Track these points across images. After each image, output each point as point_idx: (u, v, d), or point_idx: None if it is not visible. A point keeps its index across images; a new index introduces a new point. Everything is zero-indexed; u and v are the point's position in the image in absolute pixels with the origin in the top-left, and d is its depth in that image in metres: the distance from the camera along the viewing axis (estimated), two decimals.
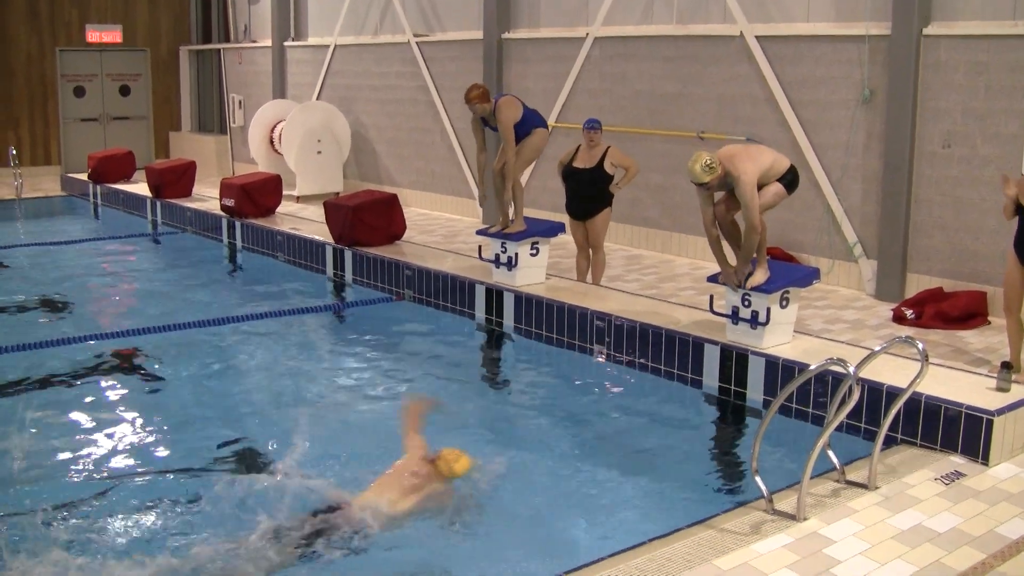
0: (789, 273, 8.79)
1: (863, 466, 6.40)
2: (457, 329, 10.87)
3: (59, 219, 19.52)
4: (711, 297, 8.92)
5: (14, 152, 20.96)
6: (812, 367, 5.99)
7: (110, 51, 25.14)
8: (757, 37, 12.90)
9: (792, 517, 5.71)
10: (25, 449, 7.64)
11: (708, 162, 8.13)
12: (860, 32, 11.80)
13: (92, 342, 10.43)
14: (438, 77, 18.13)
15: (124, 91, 25.42)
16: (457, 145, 17.75)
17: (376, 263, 12.34)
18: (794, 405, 7.83)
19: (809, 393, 7.74)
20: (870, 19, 11.74)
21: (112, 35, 25.00)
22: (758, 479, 5.91)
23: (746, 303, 8.41)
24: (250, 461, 7.46)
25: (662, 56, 14.16)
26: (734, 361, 8.41)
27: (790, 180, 8.56)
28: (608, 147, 11.10)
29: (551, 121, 15.36)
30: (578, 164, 11.18)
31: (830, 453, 6.30)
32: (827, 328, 10.21)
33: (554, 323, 10.05)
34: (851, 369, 5.88)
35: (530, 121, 10.71)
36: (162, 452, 7.71)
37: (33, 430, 8.01)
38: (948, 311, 10.49)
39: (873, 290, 11.81)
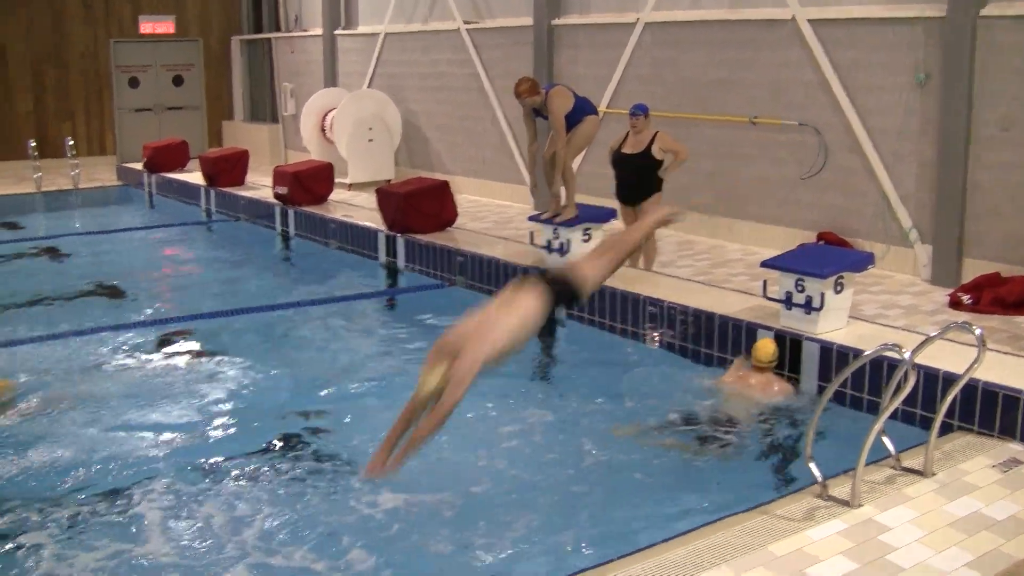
0: (843, 258, 8.72)
1: (919, 453, 6.33)
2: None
3: (115, 208, 19.76)
4: (764, 283, 8.87)
5: (71, 143, 21.20)
6: (867, 353, 5.95)
7: (163, 42, 25.33)
8: (809, 20, 12.78)
9: (846, 503, 5.68)
10: (83, 433, 7.75)
11: None
12: (914, 14, 11.66)
13: (147, 328, 10.57)
14: (488, 64, 18.13)
15: (177, 81, 25.60)
16: (508, 132, 17.75)
17: (428, 250, 12.39)
18: (848, 391, 7.77)
19: (864, 379, 7.68)
20: (924, 1, 11.59)
21: (165, 26, 25.18)
22: (812, 465, 5.88)
23: (800, 288, 8.36)
24: (300, 447, 7.52)
25: (713, 41, 14.08)
26: (788, 347, 8.36)
27: None
28: (656, 132, 11.06)
29: (601, 107, 15.32)
30: (626, 150, 11.15)
31: (885, 440, 6.25)
32: (882, 313, 10.12)
33: (606, 309, 10.04)
34: (907, 355, 5.83)
35: (581, 109, 10.70)
36: (214, 437, 7.79)
37: (91, 415, 8.11)
38: (1005, 296, 10.35)
39: (929, 275, 11.68)
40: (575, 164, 11.47)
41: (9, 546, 6.05)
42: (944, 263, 11.52)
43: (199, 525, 6.30)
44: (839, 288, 8.36)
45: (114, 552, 5.97)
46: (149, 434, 7.79)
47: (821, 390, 7.79)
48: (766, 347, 8.25)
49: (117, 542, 6.10)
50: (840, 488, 5.83)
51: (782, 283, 8.60)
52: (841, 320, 8.47)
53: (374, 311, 11.49)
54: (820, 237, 12.56)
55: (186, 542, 6.10)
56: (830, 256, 8.77)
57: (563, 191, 10.98)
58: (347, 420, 8.01)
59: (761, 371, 8.22)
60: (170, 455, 7.42)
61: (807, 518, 5.53)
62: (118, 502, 6.63)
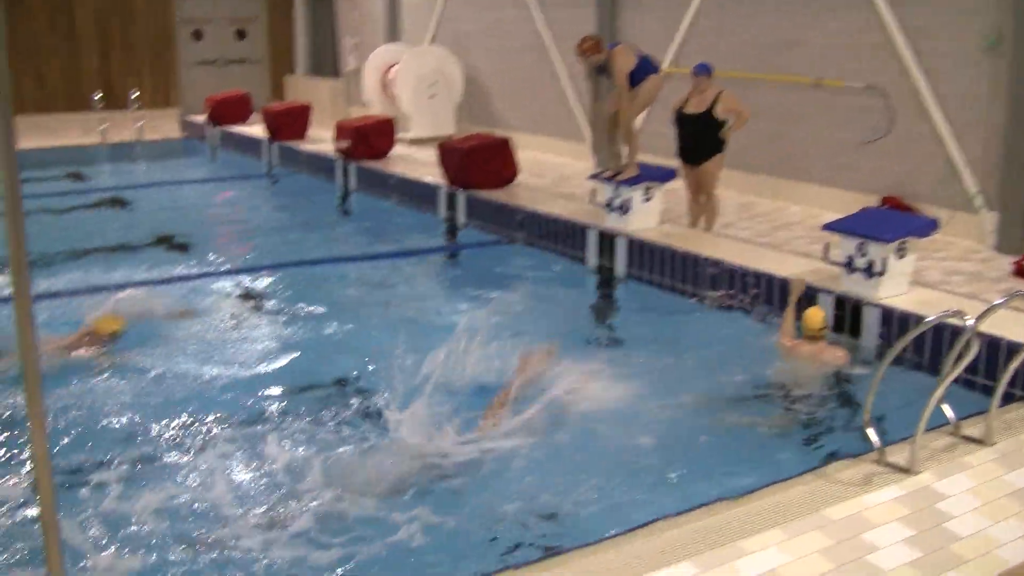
0: (907, 223, 8.64)
1: (979, 422, 6.28)
2: (568, 273, 10.89)
3: (178, 160, 19.95)
4: (826, 246, 8.81)
5: (135, 95, 21.41)
6: (929, 318, 5.91)
7: None
8: None
9: (905, 470, 5.65)
10: (144, 382, 7.89)
11: None
12: None
13: (206, 279, 10.71)
14: (551, 21, 18.03)
15: (240, 35, 25.74)
16: (569, 89, 17.68)
17: (489, 206, 12.41)
18: (909, 357, 7.72)
19: (925, 346, 7.63)
20: None
21: None
22: (870, 431, 5.86)
23: (862, 252, 8.30)
24: (359, 398, 7.62)
25: (778, 1, 13.91)
26: (848, 311, 8.31)
27: None
28: (720, 92, 10.97)
29: (664, 66, 15.21)
30: (689, 110, 11.08)
31: (945, 407, 6.20)
32: (945, 280, 10.02)
33: (666, 268, 10.03)
34: (970, 322, 5.78)
35: (644, 68, 10.64)
36: (271, 388, 7.88)
37: (150, 364, 8.25)
38: None
39: (994, 242, 11.52)
40: (637, 123, 11.41)
41: (77, 479, 6.21)
42: (1010, 230, 11.35)
43: (257, 471, 6.40)
44: (902, 253, 8.29)
45: (171, 494, 6.10)
46: (209, 382, 7.92)
47: (881, 356, 7.75)
48: (816, 316, 8.20)
49: (175, 484, 6.24)
50: (898, 454, 5.80)
51: (844, 246, 8.54)
52: (903, 286, 8.41)
53: (433, 266, 11.54)
54: (884, 201, 12.43)
55: (243, 487, 6.21)
56: (893, 220, 8.70)
57: (624, 149, 10.94)
58: (403, 373, 8.07)
59: (813, 340, 8.19)
60: (230, 401, 7.54)
61: (864, 483, 5.51)
62: (181, 443, 6.77)
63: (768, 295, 8.99)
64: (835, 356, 8.07)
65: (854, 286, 8.41)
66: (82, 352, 8.34)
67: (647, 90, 10.70)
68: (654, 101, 11.10)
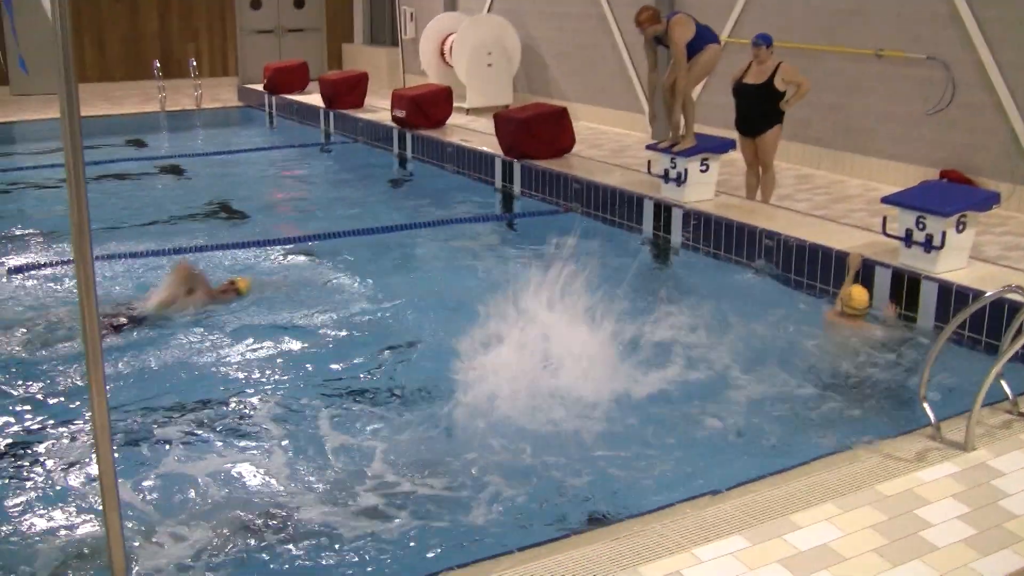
0: (967, 196, 8.54)
1: None
2: (624, 242, 10.87)
3: (236, 128, 20.10)
4: (884, 219, 8.75)
5: (194, 63, 21.56)
6: (988, 294, 5.87)
7: None
8: None
9: (960, 447, 5.62)
10: (202, 346, 8.01)
11: None
12: None
13: (265, 247, 10.81)
14: None
15: (299, 3, 25.77)
16: (628, 59, 17.57)
17: (545, 176, 12.40)
18: (967, 333, 7.65)
19: (983, 321, 7.55)
20: None
21: None
22: (926, 406, 5.83)
23: (920, 226, 8.22)
24: (416, 363, 7.69)
25: None
26: (906, 285, 8.24)
27: None
28: (780, 63, 10.88)
29: (723, 36, 15.08)
30: (748, 80, 11.00)
31: (1003, 384, 6.15)
32: (1005, 255, 9.89)
33: (722, 240, 9.99)
34: None
35: (703, 37, 10.57)
36: (329, 354, 7.97)
37: (209, 328, 8.37)
38: None
39: None
40: (695, 93, 11.34)
41: (134, 445, 6.34)
42: None
43: (310, 439, 6.48)
44: (961, 227, 8.20)
45: (228, 460, 6.20)
46: (266, 350, 8.02)
47: (938, 330, 7.68)
48: (860, 294, 8.15)
49: (229, 450, 6.34)
50: (954, 431, 5.77)
51: (902, 220, 8.46)
52: (962, 260, 8.32)
53: (489, 235, 11.55)
54: (943, 175, 12.28)
55: (292, 454, 6.28)
56: (953, 194, 8.60)
57: (682, 120, 10.88)
58: (456, 341, 8.12)
59: (853, 318, 8.13)
60: (285, 369, 7.64)
61: (919, 459, 5.49)
62: (234, 414, 6.87)
63: (825, 268, 8.92)
64: (874, 336, 8.04)
65: (912, 260, 8.33)
66: (219, 302, 8.88)
67: (705, 60, 10.63)
68: (712, 71, 11.03)
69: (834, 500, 5.03)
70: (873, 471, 5.34)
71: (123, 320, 8.39)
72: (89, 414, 3.97)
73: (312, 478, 6.01)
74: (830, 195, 12.57)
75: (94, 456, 4.00)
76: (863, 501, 5.02)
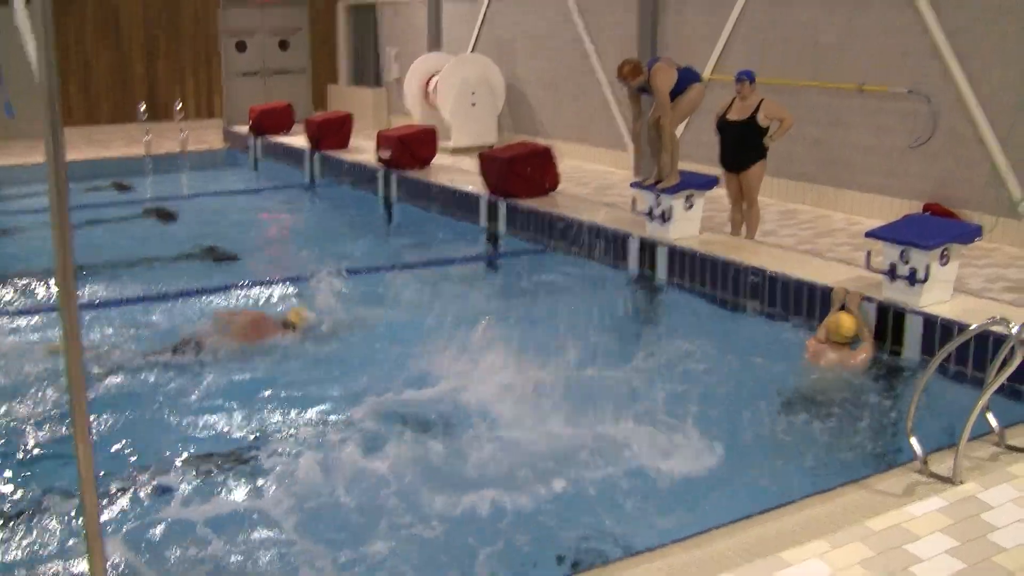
0: (950, 229, 8.58)
1: None
2: (610, 281, 10.89)
3: (222, 171, 20.12)
4: (868, 253, 8.77)
5: (179, 106, 21.62)
6: (972, 327, 5.88)
7: (270, 6, 25.59)
8: None
9: (948, 480, 5.61)
10: (189, 390, 7.99)
11: None
12: None
13: (252, 288, 10.79)
14: (592, 28, 18.04)
15: (283, 45, 25.87)
16: (611, 97, 17.67)
17: (530, 215, 12.43)
18: (952, 366, 7.67)
19: (968, 353, 7.57)
20: None
21: None
22: (913, 440, 5.82)
23: (904, 259, 8.25)
24: (400, 401, 7.68)
25: (821, 5, 13.84)
26: (891, 318, 8.26)
27: None
28: (762, 99, 10.95)
29: (707, 73, 15.20)
30: (731, 116, 11.07)
31: (989, 416, 6.15)
32: (988, 287, 9.94)
33: (707, 277, 10.01)
34: (1014, 329, 5.73)
35: (685, 80, 10.62)
36: (315, 395, 7.94)
37: (198, 372, 8.35)
38: None
39: None
40: (678, 131, 11.40)
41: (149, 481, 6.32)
42: None
43: (300, 480, 6.46)
44: (944, 260, 8.23)
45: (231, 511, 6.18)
46: (252, 393, 7.99)
47: (924, 363, 7.70)
48: (847, 321, 8.20)
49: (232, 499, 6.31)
50: (941, 464, 5.76)
51: (886, 254, 8.49)
52: (946, 293, 8.35)
53: (475, 275, 11.57)
54: (926, 208, 12.34)
55: (293, 497, 6.26)
56: (936, 227, 8.64)
57: (666, 157, 10.93)
58: (445, 382, 8.13)
59: (839, 346, 8.17)
60: (271, 413, 7.62)
61: (907, 494, 5.48)
62: (233, 459, 6.84)
63: (811, 303, 8.94)
64: (861, 360, 8.06)
65: (897, 294, 8.36)
66: (279, 336, 9.23)
67: (689, 100, 10.68)
68: (696, 109, 11.09)
69: (824, 536, 5.01)
70: (862, 506, 5.33)
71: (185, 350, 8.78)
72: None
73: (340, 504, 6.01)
74: (815, 229, 12.62)
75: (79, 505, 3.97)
76: (853, 537, 5.01)
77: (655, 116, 10.76)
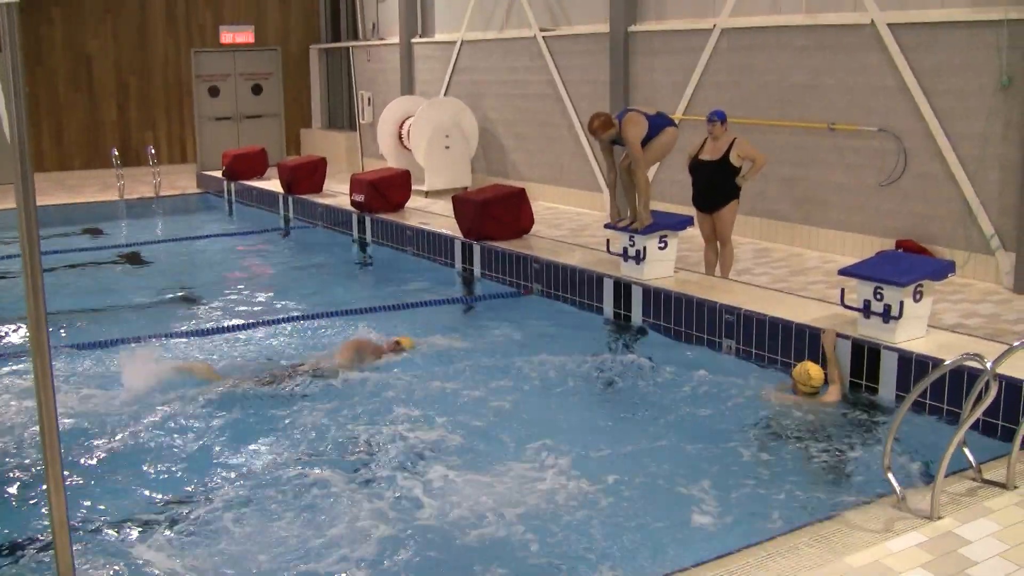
0: (923, 266, 8.62)
1: (1000, 465, 6.23)
2: (585, 323, 10.89)
3: (195, 215, 20.09)
4: (842, 291, 8.79)
5: (152, 151, 21.61)
6: (947, 362, 5.89)
7: (243, 51, 25.72)
8: (889, 25, 12.64)
9: (926, 516, 5.61)
10: (170, 439, 7.93)
11: None
12: (999, 16, 11.47)
13: (227, 333, 10.74)
14: (565, 71, 18.15)
15: (256, 90, 25.99)
16: (584, 139, 17.75)
17: (504, 257, 12.43)
18: (928, 401, 7.68)
19: (943, 389, 7.59)
20: (1009, 3, 11.39)
21: (245, 35, 25.57)
22: (890, 476, 5.82)
23: (878, 296, 8.28)
24: (384, 450, 7.63)
25: (791, 47, 13.97)
26: (866, 356, 8.28)
27: None
28: (735, 139, 11.02)
29: (678, 114, 15.30)
30: (704, 156, 11.13)
31: (966, 451, 6.16)
32: (962, 323, 9.99)
33: (683, 317, 10.01)
34: (988, 364, 5.75)
35: (657, 126, 10.63)
36: (300, 443, 7.89)
37: (168, 420, 8.30)
38: None
39: (1011, 283, 11.49)
40: (651, 172, 11.43)
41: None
42: None
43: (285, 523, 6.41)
44: (918, 296, 8.26)
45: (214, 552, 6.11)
46: (233, 439, 7.94)
47: (899, 400, 7.71)
48: (818, 372, 8.24)
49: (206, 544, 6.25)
50: (919, 499, 5.76)
51: (860, 291, 8.52)
52: (920, 329, 8.37)
53: (450, 318, 11.54)
54: (899, 245, 12.42)
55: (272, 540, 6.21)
56: (909, 264, 8.67)
57: (639, 199, 10.95)
58: (417, 424, 8.10)
59: (807, 395, 8.20)
60: (253, 460, 7.56)
61: (885, 530, 5.47)
62: (204, 506, 6.78)
63: (786, 342, 8.96)
64: (832, 402, 8.11)
65: (871, 331, 8.38)
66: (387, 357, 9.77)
67: (661, 144, 10.68)
68: (668, 152, 11.11)
69: (803, 573, 5.00)
70: (841, 543, 5.32)
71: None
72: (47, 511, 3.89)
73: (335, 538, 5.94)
74: (788, 267, 12.67)
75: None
76: (831, 574, 4.99)
77: (626, 163, 10.79)
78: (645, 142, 10.57)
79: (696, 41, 15.41)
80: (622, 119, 10.66)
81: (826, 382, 8.33)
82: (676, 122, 11.25)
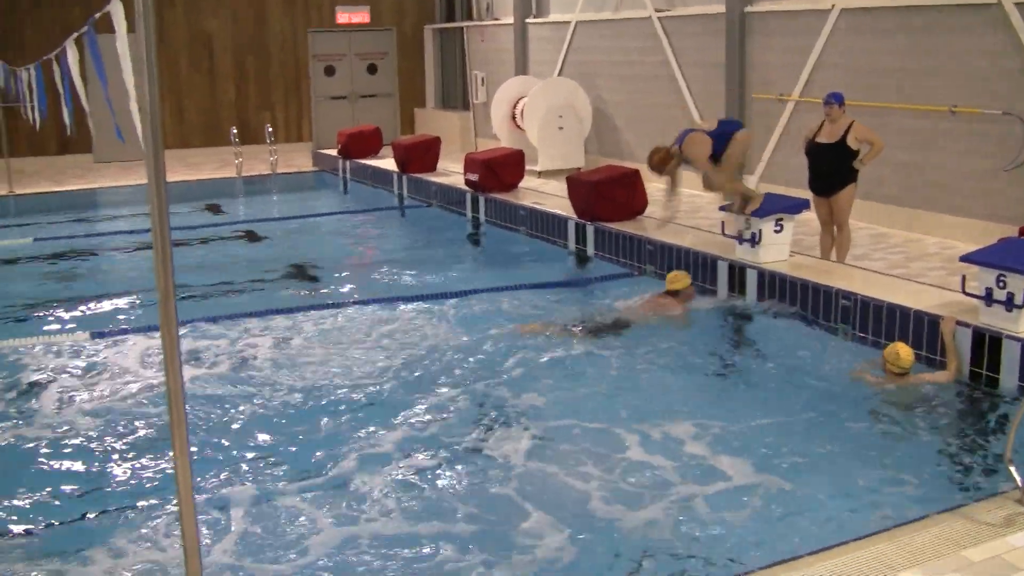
0: None
1: None
2: (699, 305, 10.85)
3: (311, 193, 20.43)
4: (963, 278, 8.65)
5: (270, 130, 21.99)
6: None
7: (358, 31, 25.99)
8: (1016, 3, 12.32)
9: None
10: (277, 402, 8.17)
11: None
12: None
13: (340, 309, 10.96)
14: (679, 52, 18.03)
15: (371, 69, 26.26)
16: (699, 120, 17.60)
17: (618, 238, 12.43)
18: None
19: None
20: None
21: (360, 16, 25.83)
22: (1013, 469, 5.74)
23: (1001, 284, 8.13)
24: (489, 423, 7.75)
25: (911, 28, 13.68)
26: (987, 344, 8.14)
27: None
28: (852, 122, 10.86)
29: (794, 95, 15.13)
30: (821, 139, 10.99)
31: None
32: None
33: (798, 300, 9.94)
34: None
35: (723, 135, 10.50)
36: (400, 414, 8.06)
37: (288, 388, 8.54)
38: None
39: None
40: (765, 155, 11.29)
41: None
42: None
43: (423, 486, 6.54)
44: None
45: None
46: (335, 407, 8.14)
47: (1021, 391, 7.57)
48: (908, 353, 8.11)
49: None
50: None
51: (982, 278, 8.37)
52: None
53: (563, 299, 11.58)
54: (1022, 232, 12.13)
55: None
56: None
57: (744, 183, 10.84)
58: (536, 404, 8.18)
59: (899, 377, 8.08)
60: (347, 430, 7.76)
61: (1007, 524, 5.40)
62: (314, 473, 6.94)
63: (903, 328, 8.83)
64: (941, 377, 8.03)
65: (993, 319, 8.23)
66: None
67: (734, 152, 10.52)
68: (746, 152, 10.98)
69: (920, 565, 4.96)
70: (959, 536, 5.26)
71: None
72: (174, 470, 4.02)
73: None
74: (906, 254, 12.47)
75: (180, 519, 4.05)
76: (950, 568, 4.95)
77: (708, 188, 10.77)
78: (716, 157, 10.46)
79: (814, 22, 15.18)
80: (682, 143, 10.56)
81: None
82: (742, 124, 11.04)
